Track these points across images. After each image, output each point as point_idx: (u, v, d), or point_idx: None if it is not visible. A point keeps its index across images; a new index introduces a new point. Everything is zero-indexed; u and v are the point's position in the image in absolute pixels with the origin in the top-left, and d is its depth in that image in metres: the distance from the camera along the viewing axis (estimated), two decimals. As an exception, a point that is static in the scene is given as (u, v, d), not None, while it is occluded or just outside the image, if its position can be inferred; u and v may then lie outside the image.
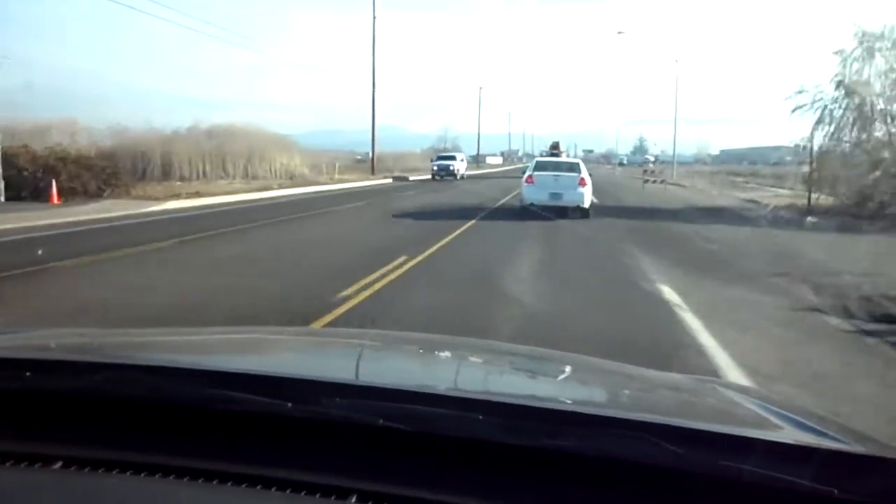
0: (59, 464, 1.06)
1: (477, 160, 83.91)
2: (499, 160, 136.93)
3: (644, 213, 18.88)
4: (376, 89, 40.23)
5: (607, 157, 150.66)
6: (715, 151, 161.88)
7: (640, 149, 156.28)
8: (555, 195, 16.28)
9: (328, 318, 5.68)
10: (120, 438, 1.13)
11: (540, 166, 18.19)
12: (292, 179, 34.53)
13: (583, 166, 17.72)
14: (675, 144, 49.54)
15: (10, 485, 1.03)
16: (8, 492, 1.02)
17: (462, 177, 41.47)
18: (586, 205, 16.34)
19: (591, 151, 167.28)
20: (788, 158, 33.74)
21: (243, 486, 1.01)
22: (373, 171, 41.29)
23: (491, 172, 62.34)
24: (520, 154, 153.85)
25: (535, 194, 16.68)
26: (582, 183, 16.42)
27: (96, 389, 1.18)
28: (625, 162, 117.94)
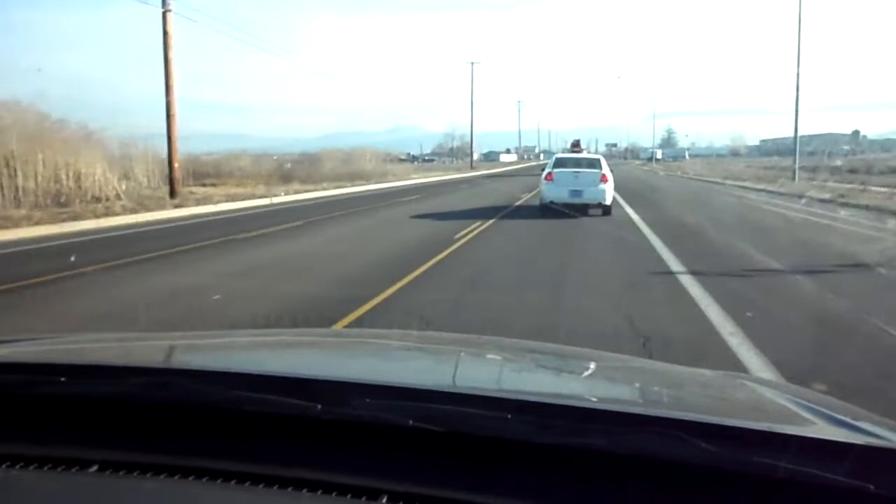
0: (96, 467, 1.08)
1: (471, 156, 78.78)
2: (512, 157, 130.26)
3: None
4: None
5: (633, 151, 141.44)
6: (753, 142, 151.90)
7: (669, 141, 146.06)
8: (575, 192, 15.93)
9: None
10: (153, 442, 1.14)
11: (560, 163, 17.48)
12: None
13: (604, 162, 17.25)
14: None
15: (49, 488, 1.07)
16: (48, 495, 1.06)
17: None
18: (608, 201, 16.03)
19: (614, 145, 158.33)
20: (846, 148, 28.48)
21: (274, 487, 1.02)
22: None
23: (489, 174, 57.47)
24: (536, 151, 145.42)
25: (554, 192, 16.26)
26: (603, 179, 16.05)
27: (129, 393, 1.20)
28: (658, 157, 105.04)
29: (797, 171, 30.21)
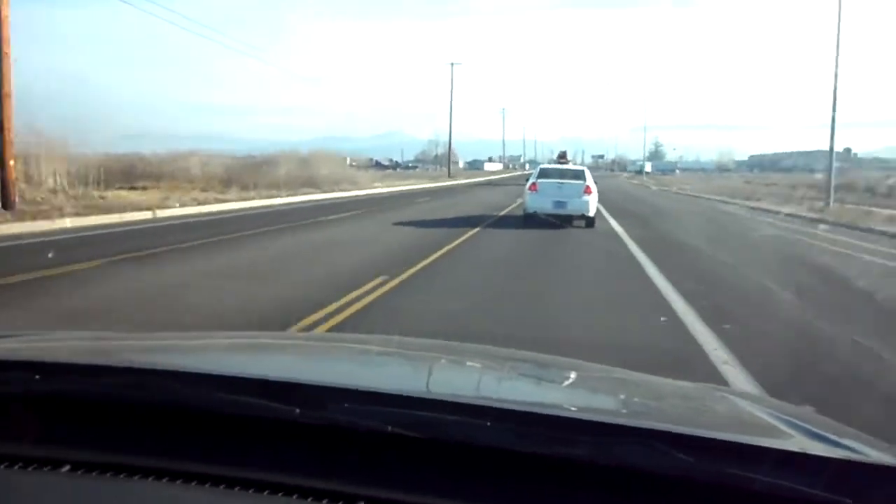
0: (67, 467, 1.07)
1: (448, 164, 71.75)
2: (497, 166, 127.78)
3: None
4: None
5: (620, 164, 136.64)
6: (742, 157, 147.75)
7: (657, 154, 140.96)
8: (559, 203, 15.95)
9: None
10: (128, 442, 1.12)
11: (544, 174, 17.61)
12: None
13: (588, 174, 17.28)
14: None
15: (18, 487, 1.05)
16: (16, 494, 1.04)
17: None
18: (591, 213, 16.06)
19: (601, 157, 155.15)
20: (837, 165, 23.62)
21: (250, 490, 1.01)
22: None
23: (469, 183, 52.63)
24: (522, 160, 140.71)
25: (538, 202, 16.26)
26: (587, 191, 16.12)
27: (104, 393, 1.18)
28: (648, 170, 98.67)
29: (832, 192, 24.21)
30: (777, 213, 23.58)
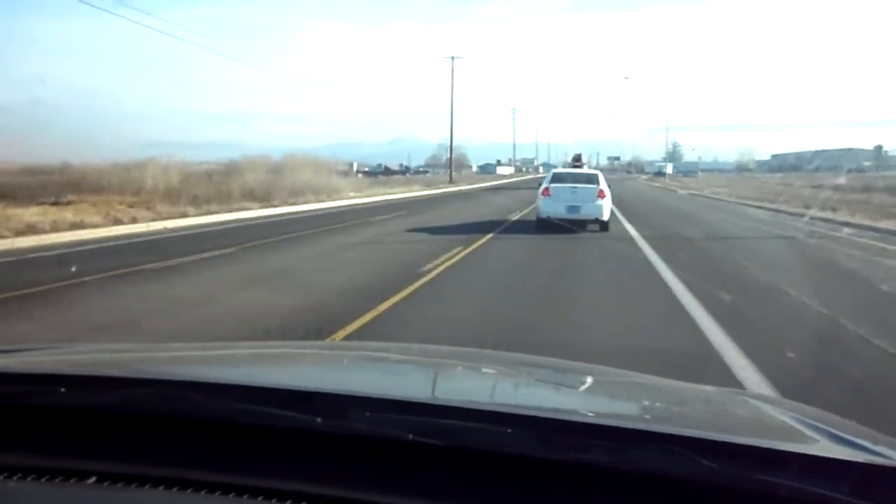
0: (94, 479, 1.07)
1: (450, 168, 64.34)
2: (509, 170, 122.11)
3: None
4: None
5: (637, 165, 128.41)
6: (763, 156, 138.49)
7: (675, 155, 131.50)
8: (572, 208, 15.67)
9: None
10: (152, 453, 1.13)
11: (557, 178, 17.24)
12: None
13: (601, 177, 16.78)
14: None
15: (47, 500, 1.06)
16: None
17: None
18: (605, 217, 15.81)
19: (617, 158, 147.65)
20: (868, 164, 17.37)
21: (273, 500, 1.01)
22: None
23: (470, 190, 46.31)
24: (536, 163, 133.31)
25: (551, 207, 15.96)
26: (601, 195, 15.81)
27: (128, 404, 1.18)
28: (668, 171, 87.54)
29: None
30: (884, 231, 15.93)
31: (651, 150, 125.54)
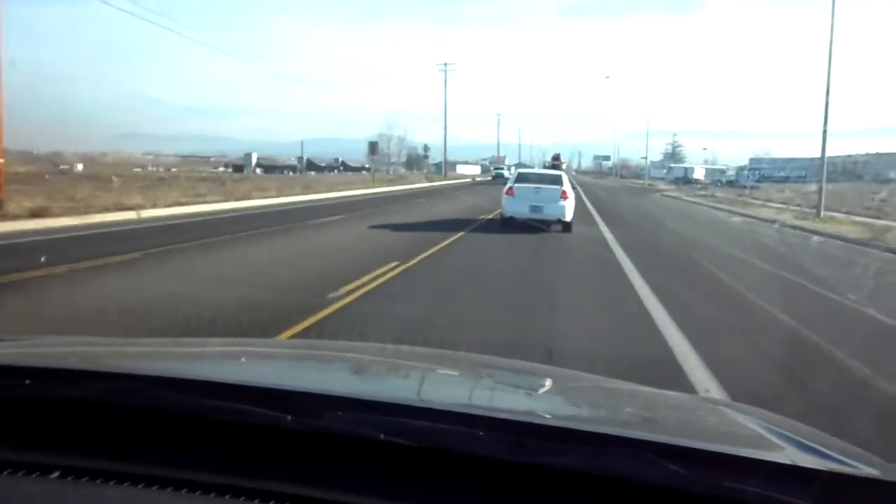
0: (57, 473, 1.06)
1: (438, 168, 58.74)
2: (474, 169, 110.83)
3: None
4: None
5: (628, 168, 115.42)
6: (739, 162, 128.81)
7: (673, 156, 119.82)
8: (535, 208, 15.68)
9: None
10: (119, 449, 1.11)
11: (521, 178, 17.37)
12: None
13: (566, 179, 16.98)
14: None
15: (7, 493, 1.04)
16: (7, 500, 1.03)
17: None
18: (568, 218, 15.68)
19: (606, 158, 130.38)
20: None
21: (241, 499, 1.00)
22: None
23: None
24: (507, 163, 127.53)
25: (515, 207, 16.05)
26: (564, 196, 15.75)
27: (96, 399, 1.16)
28: (698, 177, 66.55)
29: None
30: None
31: (634, 154, 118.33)
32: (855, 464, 1.08)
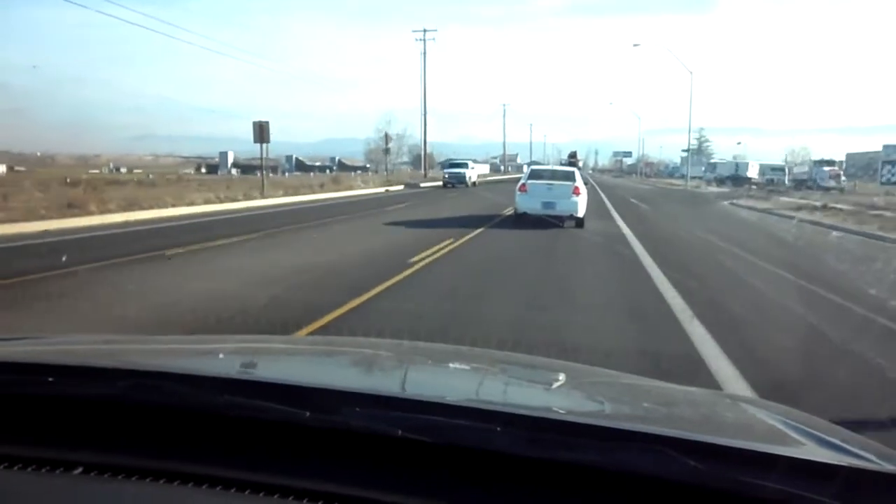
0: (80, 469, 1.07)
1: (387, 166, 55.77)
2: (482, 168, 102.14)
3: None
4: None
5: (652, 165, 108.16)
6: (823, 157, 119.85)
7: (699, 153, 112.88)
8: (548, 204, 15.85)
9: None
10: (139, 445, 1.12)
11: (535, 174, 17.39)
12: None
13: (578, 175, 16.99)
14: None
15: (31, 490, 1.05)
16: (29, 496, 1.04)
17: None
18: (580, 214, 15.74)
19: (627, 154, 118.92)
20: None
21: (261, 494, 1.01)
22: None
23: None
24: (519, 161, 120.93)
25: (528, 203, 16.21)
26: (576, 192, 15.87)
27: (117, 396, 1.17)
28: (752, 175, 54.40)
29: None
30: None
31: (654, 151, 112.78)
32: (876, 459, 1.07)
